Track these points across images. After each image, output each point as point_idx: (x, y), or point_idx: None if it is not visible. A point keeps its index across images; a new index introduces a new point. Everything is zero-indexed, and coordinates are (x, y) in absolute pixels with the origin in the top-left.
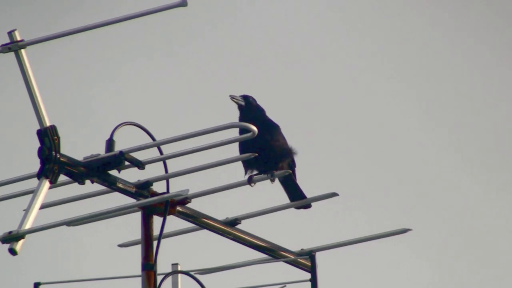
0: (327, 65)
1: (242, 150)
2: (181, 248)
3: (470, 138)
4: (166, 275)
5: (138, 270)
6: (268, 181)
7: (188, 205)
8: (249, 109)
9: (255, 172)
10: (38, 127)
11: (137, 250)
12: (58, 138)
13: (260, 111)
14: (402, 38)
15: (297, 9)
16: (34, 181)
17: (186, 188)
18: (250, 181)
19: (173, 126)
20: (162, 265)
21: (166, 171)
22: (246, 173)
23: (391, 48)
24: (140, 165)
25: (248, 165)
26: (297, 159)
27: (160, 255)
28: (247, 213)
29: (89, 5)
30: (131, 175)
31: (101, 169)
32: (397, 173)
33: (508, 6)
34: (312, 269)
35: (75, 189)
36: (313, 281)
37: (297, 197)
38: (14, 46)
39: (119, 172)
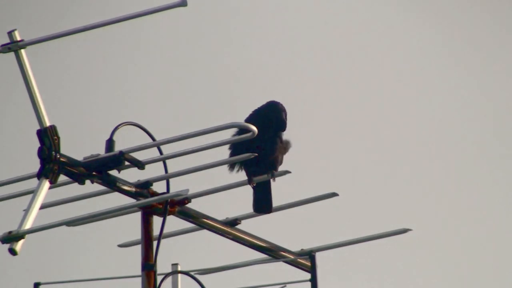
0: (327, 64)
1: (234, 150)
2: (181, 248)
3: (470, 138)
4: (166, 275)
5: (138, 270)
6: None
7: (188, 205)
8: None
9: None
10: (38, 127)
11: (137, 250)
12: (58, 138)
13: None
14: (402, 39)
15: (296, 10)
16: (34, 181)
17: (186, 188)
18: (250, 181)
19: (173, 126)
20: (162, 265)
21: (166, 171)
22: (247, 174)
23: (392, 50)
24: (140, 165)
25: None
26: (296, 159)
27: (160, 255)
28: (247, 213)
29: (89, 5)
30: (131, 175)
31: (101, 169)
32: (397, 173)
33: None
34: (312, 269)
35: (75, 189)
36: (313, 281)
37: (263, 206)
38: (14, 46)
39: (119, 172)
